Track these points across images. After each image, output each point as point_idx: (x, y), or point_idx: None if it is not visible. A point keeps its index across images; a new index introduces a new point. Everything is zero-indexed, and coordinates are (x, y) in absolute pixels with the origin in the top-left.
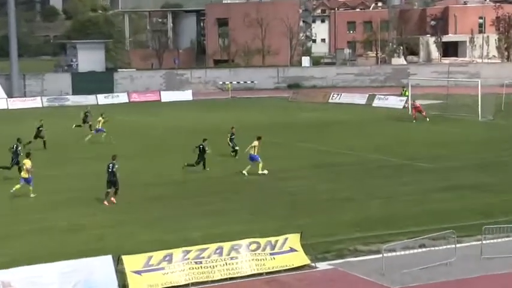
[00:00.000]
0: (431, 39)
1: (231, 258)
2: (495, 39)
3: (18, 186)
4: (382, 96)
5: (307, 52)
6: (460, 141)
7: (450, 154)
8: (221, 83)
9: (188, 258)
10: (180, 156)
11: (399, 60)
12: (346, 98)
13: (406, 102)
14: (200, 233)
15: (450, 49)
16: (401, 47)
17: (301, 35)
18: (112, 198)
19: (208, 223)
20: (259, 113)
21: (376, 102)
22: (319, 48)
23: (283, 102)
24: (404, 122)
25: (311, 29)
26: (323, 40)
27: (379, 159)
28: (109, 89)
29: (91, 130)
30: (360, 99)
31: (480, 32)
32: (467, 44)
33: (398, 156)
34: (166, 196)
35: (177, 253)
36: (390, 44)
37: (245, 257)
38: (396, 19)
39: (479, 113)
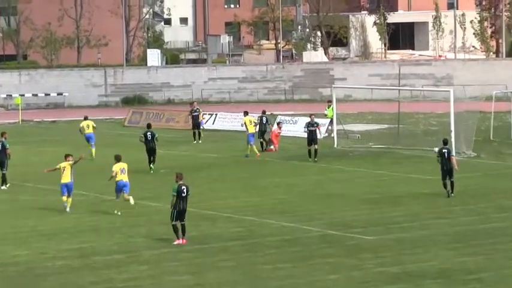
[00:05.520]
0: (370, 19)
1: None
2: (475, 20)
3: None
4: (288, 118)
5: (156, 42)
6: (419, 194)
7: (404, 217)
8: (5, 96)
9: None
10: None
11: (316, 56)
12: (225, 121)
13: (331, 125)
14: None
15: (402, 36)
16: (320, 33)
17: (144, 11)
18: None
19: None
20: (67, 150)
21: (282, 129)
22: (178, 35)
23: (115, 129)
24: (328, 162)
25: (162, 2)
26: (184, 21)
27: (284, 228)
28: None
29: None
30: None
31: (450, 7)
32: (430, 27)
33: (318, 223)
34: None
35: None
36: (299, 27)
37: None
38: None
39: (453, 145)
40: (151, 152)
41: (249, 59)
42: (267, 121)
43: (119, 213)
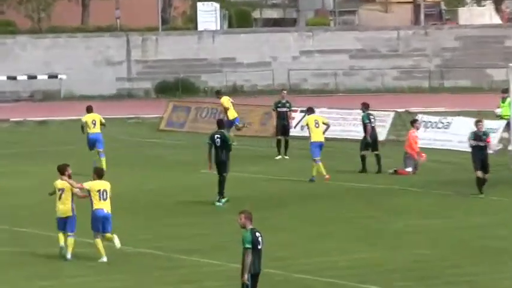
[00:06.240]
0: None
1: None
2: None
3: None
4: (434, 119)
5: None
6: None
7: None
8: None
9: None
10: None
11: (481, 15)
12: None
13: (507, 131)
14: None
15: None
16: None
17: None
18: None
19: None
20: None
21: (420, 136)
22: None
23: (144, 135)
24: (502, 194)
25: None
26: None
27: None
28: None
29: None
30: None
31: None
32: None
33: None
34: None
35: None
36: None
37: None
38: None
39: None
40: (219, 167)
41: (368, 19)
42: (374, 122)
43: (104, 259)
